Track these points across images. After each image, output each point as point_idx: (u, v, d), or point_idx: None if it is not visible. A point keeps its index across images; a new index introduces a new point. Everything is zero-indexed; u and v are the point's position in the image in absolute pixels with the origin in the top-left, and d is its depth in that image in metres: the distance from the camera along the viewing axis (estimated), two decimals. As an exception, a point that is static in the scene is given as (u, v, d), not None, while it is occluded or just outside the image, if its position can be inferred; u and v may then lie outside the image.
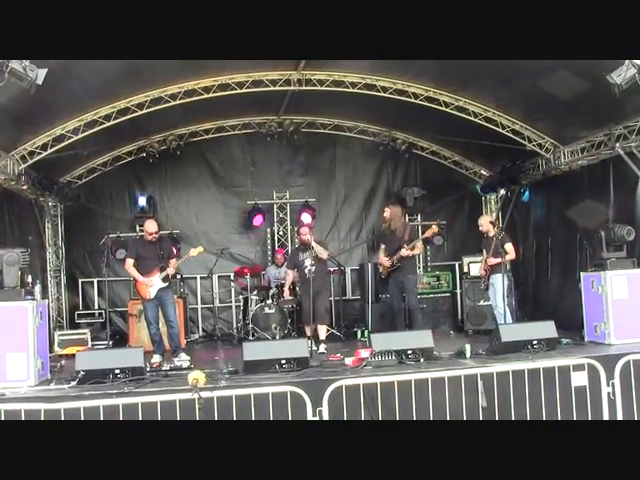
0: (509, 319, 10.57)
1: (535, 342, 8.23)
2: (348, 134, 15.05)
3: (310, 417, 6.31)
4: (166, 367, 8.36)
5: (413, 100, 11.96)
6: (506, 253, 10.67)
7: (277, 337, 11.75)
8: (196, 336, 13.56)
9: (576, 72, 9.39)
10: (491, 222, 11.41)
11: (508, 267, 11.16)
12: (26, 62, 7.12)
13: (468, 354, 8.35)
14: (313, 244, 10.82)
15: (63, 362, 9.06)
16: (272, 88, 11.70)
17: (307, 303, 10.42)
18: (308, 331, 10.56)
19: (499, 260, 10.49)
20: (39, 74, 7.36)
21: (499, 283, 10.66)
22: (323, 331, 10.84)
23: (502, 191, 14.88)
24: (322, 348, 10.31)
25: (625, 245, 9.45)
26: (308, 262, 10.15)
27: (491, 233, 11.06)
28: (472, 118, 12.12)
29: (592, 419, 6.82)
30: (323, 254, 10.92)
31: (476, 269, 12.95)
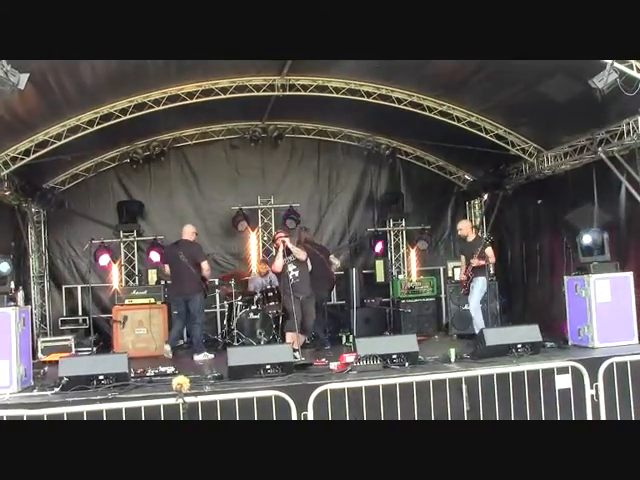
0: (481, 322, 10.71)
1: (519, 346, 8.29)
2: (332, 139, 15.07)
3: (295, 421, 6.29)
4: (150, 373, 8.34)
5: (397, 105, 12.00)
6: (488, 257, 10.78)
7: (262, 342, 11.72)
8: (181, 342, 13.48)
9: (559, 78, 9.45)
10: (475, 227, 11.50)
11: (491, 271, 11.24)
12: (8, 67, 7.07)
13: (453, 358, 8.39)
14: (289, 246, 10.31)
15: (46, 369, 9.01)
16: (256, 93, 11.71)
17: (296, 308, 10.05)
18: (292, 338, 10.07)
19: (483, 262, 10.68)
20: (21, 79, 7.31)
21: (478, 286, 10.76)
22: (301, 340, 10.51)
23: (486, 196, 14.96)
24: (297, 356, 9.63)
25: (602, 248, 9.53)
26: (291, 267, 10.05)
27: (470, 237, 11.18)
28: (456, 123, 12.18)
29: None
30: (301, 255, 10.43)
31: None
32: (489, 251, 10.87)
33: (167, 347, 11.03)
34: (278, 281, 11.33)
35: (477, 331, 10.64)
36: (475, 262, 10.80)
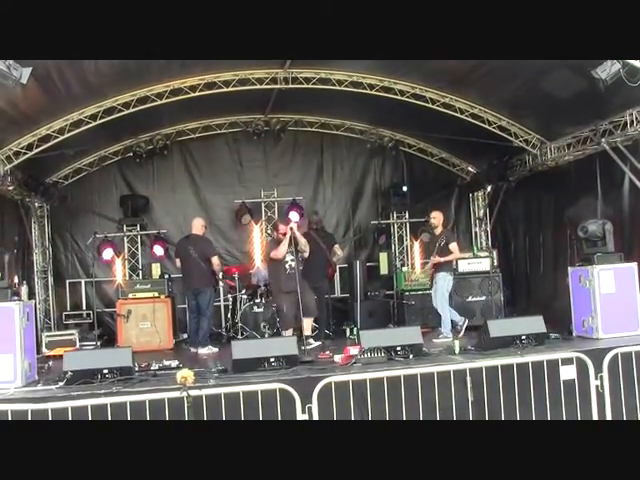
0: (448, 323, 10.83)
1: (524, 337, 8.27)
2: (335, 132, 15.05)
3: (299, 414, 6.28)
4: (155, 366, 8.34)
5: (400, 97, 11.97)
6: (450, 253, 10.84)
7: (266, 336, 11.72)
8: (185, 335, 13.49)
9: (562, 69, 9.41)
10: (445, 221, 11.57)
11: (454, 266, 11.50)
12: (10, 61, 7.07)
13: (457, 350, 8.37)
14: (297, 235, 10.00)
15: (51, 363, 9.01)
16: (258, 86, 11.67)
17: (287, 304, 9.92)
18: (289, 333, 9.92)
19: (443, 260, 10.82)
20: (23, 73, 7.31)
21: (441, 282, 10.79)
22: (309, 325, 10.31)
23: (489, 188, 14.93)
24: (312, 341, 9.80)
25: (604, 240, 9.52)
26: (289, 257, 9.89)
27: (438, 230, 11.20)
28: (459, 115, 12.15)
29: (580, 412, 6.86)
30: (306, 247, 10.25)
31: (465, 266, 12.96)
32: (453, 247, 10.90)
33: (204, 350, 10.82)
34: (269, 274, 11.04)
35: (444, 328, 10.83)
36: (435, 259, 10.84)
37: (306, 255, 10.28)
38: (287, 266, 9.83)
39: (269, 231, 14.56)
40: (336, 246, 12.36)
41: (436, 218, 11.26)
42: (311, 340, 9.75)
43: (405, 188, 15.13)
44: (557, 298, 11.89)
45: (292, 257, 9.88)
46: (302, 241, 10.13)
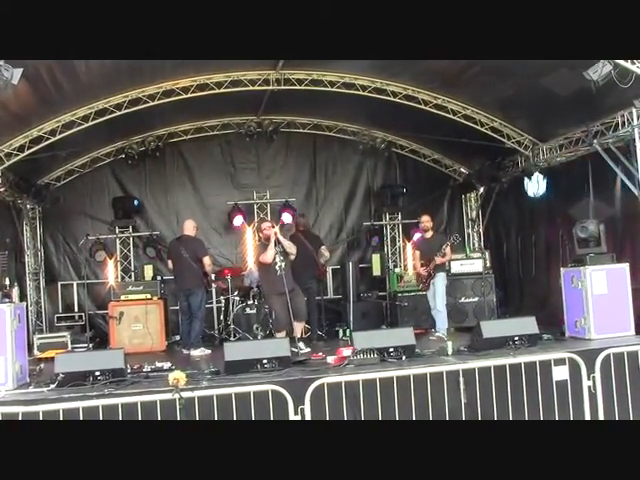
0: (445, 321, 11.10)
1: (517, 338, 8.27)
2: (327, 133, 15.04)
3: (292, 415, 6.28)
4: (147, 368, 8.32)
5: (392, 98, 11.97)
6: (445, 254, 11.13)
7: (259, 337, 11.71)
8: (177, 337, 13.46)
9: (554, 70, 9.41)
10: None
11: (447, 267, 11.85)
12: (1, 61, 7.03)
13: (450, 351, 8.36)
14: (280, 238, 10.16)
15: (42, 365, 8.98)
16: (251, 88, 11.67)
17: (280, 306, 9.93)
18: (282, 335, 9.86)
19: (444, 260, 11.16)
20: (14, 74, 7.28)
21: (440, 283, 11.02)
22: (299, 328, 10.26)
23: (482, 189, 14.94)
24: (302, 346, 9.74)
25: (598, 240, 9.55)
26: (278, 258, 9.92)
27: (429, 234, 11.48)
28: (451, 116, 12.16)
29: (573, 412, 6.87)
30: (293, 249, 10.28)
31: (457, 267, 12.98)
32: (447, 249, 11.10)
33: (196, 352, 10.73)
34: (260, 277, 11.10)
35: (441, 325, 11.08)
36: (438, 260, 11.05)
37: (292, 257, 10.28)
38: (277, 267, 9.85)
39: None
40: (323, 247, 12.38)
41: (427, 222, 11.41)
42: (302, 345, 9.74)
43: (405, 189, 15.17)
44: (549, 298, 11.91)
45: (281, 258, 9.92)
46: (286, 244, 10.23)
